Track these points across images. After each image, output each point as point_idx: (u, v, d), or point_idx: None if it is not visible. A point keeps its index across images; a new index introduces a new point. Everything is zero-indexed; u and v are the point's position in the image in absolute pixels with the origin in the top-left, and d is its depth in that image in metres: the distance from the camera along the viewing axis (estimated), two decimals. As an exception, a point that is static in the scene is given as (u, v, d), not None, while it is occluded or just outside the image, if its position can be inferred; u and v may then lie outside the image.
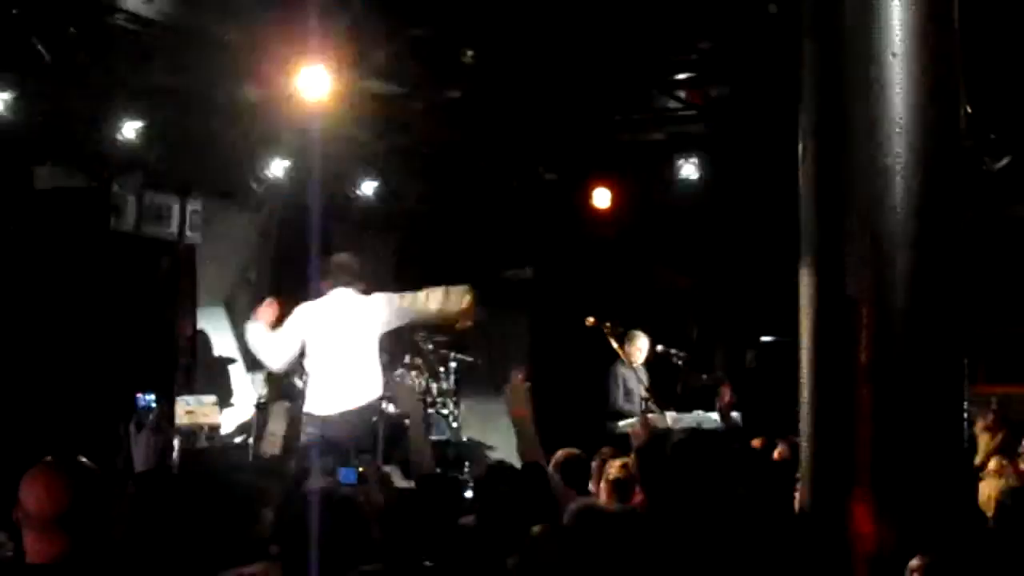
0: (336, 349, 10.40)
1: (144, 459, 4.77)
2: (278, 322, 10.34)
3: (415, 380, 14.14)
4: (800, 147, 5.94)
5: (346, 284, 10.51)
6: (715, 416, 12.13)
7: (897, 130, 5.55)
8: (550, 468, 8.02)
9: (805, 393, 5.82)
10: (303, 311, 10.41)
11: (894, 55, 5.58)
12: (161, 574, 4.46)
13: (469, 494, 7.54)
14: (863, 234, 5.60)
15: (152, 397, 9.81)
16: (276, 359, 10.52)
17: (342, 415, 10.26)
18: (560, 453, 8.36)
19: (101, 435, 7.00)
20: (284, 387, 13.52)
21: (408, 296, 10.77)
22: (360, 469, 7.50)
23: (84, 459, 4.12)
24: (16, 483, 4.07)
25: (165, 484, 4.86)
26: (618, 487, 7.56)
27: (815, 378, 5.79)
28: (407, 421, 12.70)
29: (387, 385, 13.57)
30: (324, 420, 10.26)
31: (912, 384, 5.55)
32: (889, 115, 5.57)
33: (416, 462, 10.53)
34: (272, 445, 12.57)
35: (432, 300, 10.79)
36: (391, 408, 12.75)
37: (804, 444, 5.89)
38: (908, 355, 5.56)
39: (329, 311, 10.43)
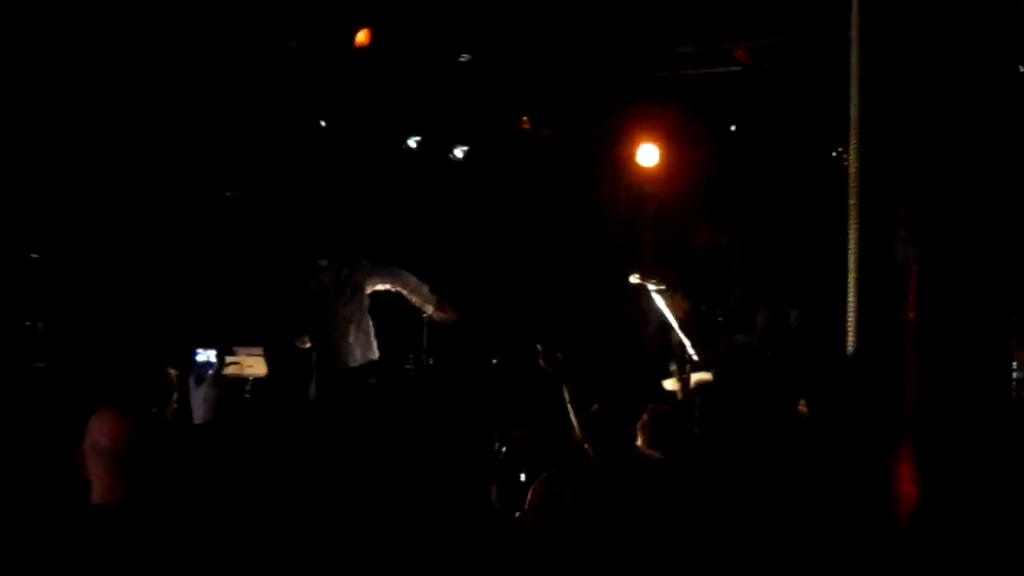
0: None
1: (202, 414, 4.85)
2: None
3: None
4: (849, 98, 5.89)
5: None
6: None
7: (946, 83, 5.50)
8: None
9: (849, 352, 5.80)
10: None
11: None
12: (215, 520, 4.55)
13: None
14: (911, 191, 5.56)
15: (212, 353, 10.00)
16: None
17: None
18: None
19: (158, 384, 7.16)
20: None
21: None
22: None
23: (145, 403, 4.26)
24: (80, 427, 4.21)
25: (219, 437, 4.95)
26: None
27: (859, 337, 5.76)
28: None
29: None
30: None
31: (959, 343, 5.52)
32: (938, 67, 5.51)
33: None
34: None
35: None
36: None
37: (848, 403, 5.87)
38: (955, 314, 5.52)
39: None
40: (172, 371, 7.26)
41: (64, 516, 4.15)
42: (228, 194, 13.23)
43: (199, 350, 10.10)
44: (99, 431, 4.18)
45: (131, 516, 4.11)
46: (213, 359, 9.82)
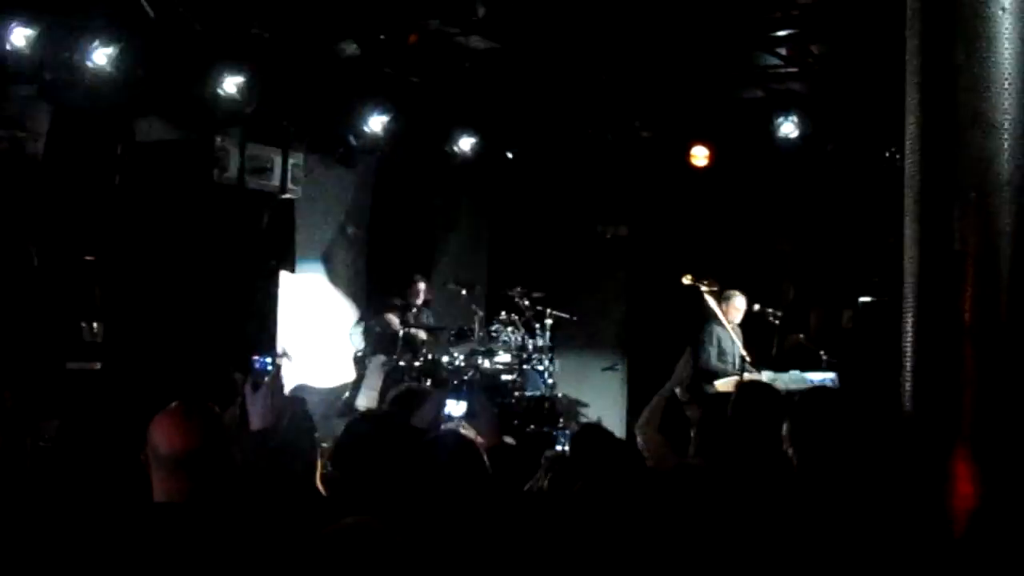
0: None
1: (261, 419, 4.87)
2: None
3: (511, 336, 14.20)
4: (905, 103, 5.86)
5: None
6: (811, 376, 12.05)
7: (1006, 86, 5.47)
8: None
9: (908, 352, 5.77)
10: None
11: (1003, 9, 5.49)
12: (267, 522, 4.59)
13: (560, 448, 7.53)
14: (968, 192, 5.53)
15: (269, 359, 10.02)
16: None
17: None
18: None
19: (217, 387, 7.23)
20: (382, 341, 13.66)
21: None
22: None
23: (209, 404, 4.30)
24: (143, 429, 4.26)
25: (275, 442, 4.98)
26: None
27: (918, 337, 5.73)
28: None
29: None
30: None
31: (1016, 344, 5.48)
32: (997, 71, 5.48)
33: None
34: (369, 399, 12.70)
35: None
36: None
37: (906, 404, 5.84)
38: (1013, 314, 5.49)
39: None
40: (239, 375, 7.28)
41: (128, 514, 4.19)
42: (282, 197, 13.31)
43: (256, 357, 10.16)
44: (160, 435, 4.22)
45: (191, 516, 4.13)
46: (270, 366, 9.87)
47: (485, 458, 5.20)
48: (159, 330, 11.72)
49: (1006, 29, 5.48)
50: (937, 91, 5.68)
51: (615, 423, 13.44)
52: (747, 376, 11.95)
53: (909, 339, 5.75)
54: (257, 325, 12.77)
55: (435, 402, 7.52)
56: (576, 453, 6.57)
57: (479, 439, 6.23)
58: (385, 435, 5.63)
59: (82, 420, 9.29)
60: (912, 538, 5.22)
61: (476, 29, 12.15)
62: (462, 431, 6.35)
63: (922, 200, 5.72)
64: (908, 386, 5.77)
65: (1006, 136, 5.49)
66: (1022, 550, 4.98)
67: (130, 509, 4.23)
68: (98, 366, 11.30)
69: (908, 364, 5.76)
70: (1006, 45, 5.47)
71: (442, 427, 6.98)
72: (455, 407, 7.59)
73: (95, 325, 11.44)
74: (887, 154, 13.00)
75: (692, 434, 7.04)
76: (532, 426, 13.38)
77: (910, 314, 5.75)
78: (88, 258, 11.73)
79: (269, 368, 5.36)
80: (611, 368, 16.10)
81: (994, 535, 5.11)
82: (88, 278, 11.72)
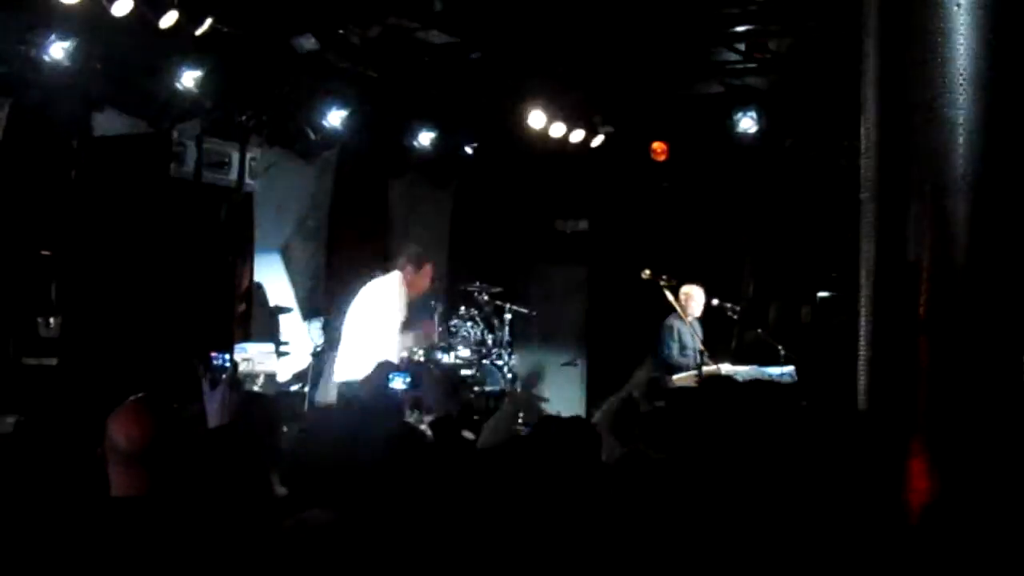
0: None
1: (218, 416, 4.86)
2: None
3: (471, 331, 14.19)
4: (861, 99, 5.88)
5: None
6: (770, 370, 12.10)
7: (961, 82, 5.49)
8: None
9: (863, 346, 5.79)
10: None
11: (958, 5, 5.51)
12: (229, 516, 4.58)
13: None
14: (924, 186, 5.55)
15: (228, 356, 9.98)
16: None
17: None
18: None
19: (179, 381, 7.20)
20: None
21: None
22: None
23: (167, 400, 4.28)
24: (101, 425, 4.24)
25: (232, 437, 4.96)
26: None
27: (873, 331, 5.76)
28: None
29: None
30: None
31: (971, 338, 5.51)
32: (952, 67, 5.51)
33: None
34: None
35: None
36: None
37: (862, 398, 5.86)
38: (967, 309, 5.52)
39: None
40: (201, 368, 7.26)
41: (85, 510, 4.17)
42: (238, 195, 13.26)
43: (214, 353, 10.13)
44: (118, 429, 4.19)
45: (149, 510, 4.11)
46: (227, 363, 9.82)
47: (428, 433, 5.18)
48: (116, 325, 11.66)
49: (961, 24, 5.50)
50: (893, 87, 5.70)
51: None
52: (706, 370, 11.98)
53: (865, 333, 5.77)
54: (215, 321, 12.71)
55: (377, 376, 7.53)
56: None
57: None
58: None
59: (39, 416, 9.22)
60: (868, 532, 5.25)
61: (435, 23, 12.14)
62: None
63: (878, 195, 5.74)
64: (863, 380, 5.79)
65: (961, 131, 5.52)
66: (976, 543, 5.02)
67: (88, 504, 4.21)
68: (55, 362, 11.23)
69: (863, 358, 5.78)
70: (961, 41, 5.49)
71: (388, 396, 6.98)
72: (399, 382, 7.60)
73: (52, 320, 11.37)
74: (845, 143, 13.05)
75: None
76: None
77: (866, 308, 5.78)
78: (44, 253, 11.65)
79: (226, 365, 5.36)
80: (571, 363, 16.12)
81: (949, 528, 5.15)
82: (45, 273, 11.65)
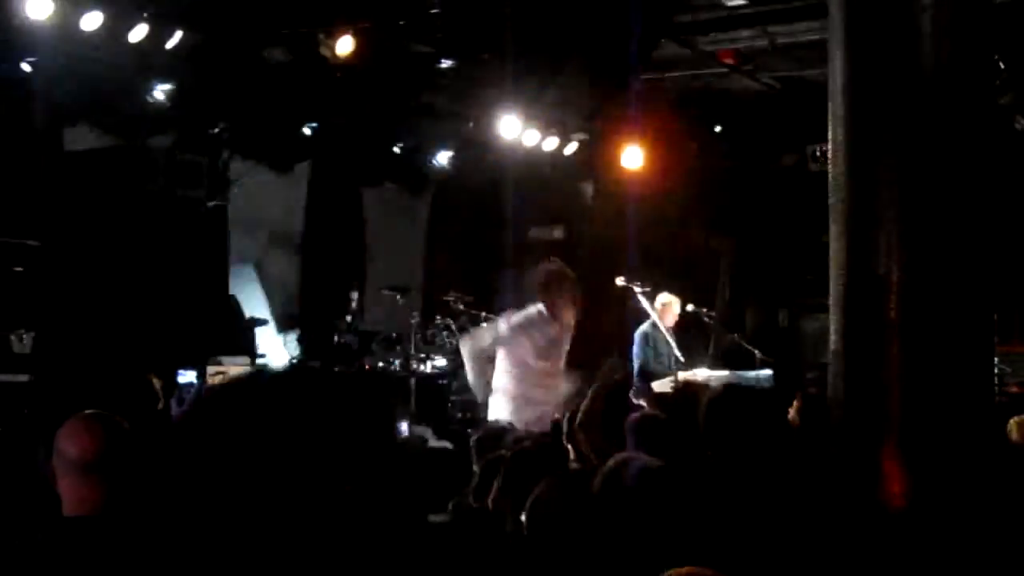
0: None
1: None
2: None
3: (447, 339, 14.18)
4: (830, 104, 5.88)
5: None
6: (749, 375, 12.09)
7: (927, 84, 5.50)
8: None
9: (835, 350, 5.78)
10: None
11: (924, 9, 5.52)
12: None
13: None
14: (893, 191, 5.55)
15: (194, 374, 9.94)
16: None
17: None
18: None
19: (141, 394, 7.16)
20: (316, 347, 13.59)
21: None
22: None
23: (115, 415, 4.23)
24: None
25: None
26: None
27: (845, 335, 5.75)
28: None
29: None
30: None
31: (942, 341, 5.51)
32: (919, 69, 5.51)
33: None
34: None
35: None
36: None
37: (834, 402, 5.85)
38: (938, 313, 5.52)
39: None
40: (157, 381, 7.18)
41: (34, 531, 4.10)
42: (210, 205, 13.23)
43: (181, 371, 10.09)
44: (67, 441, 4.12)
45: (103, 529, 4.03)
46: (195, 380, 9.79)
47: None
48: (89, 341, 11.60)
49: (926, 27, 5.50)
50: (861, 92, 5.70)
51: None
52: (682, 376, 11.97)
53: (836, 337, 5.77)
54: (188, 335, 12.65)
55: None
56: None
57: None
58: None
59: (11, 433, 9.18)
60: (842, 535, 5.25)
61: (410, 33, 12.13)
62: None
63: (848, 199, 5.74)
64: (836, 384, 5.79)
65: (929, 134, 5.52)
66: (950, 546, 5.02)
67: (42, 525, 4.14)
68: (26, 378, 11.17)
69: (836, 362, 5.78)
70: (927, 43, 5.50)
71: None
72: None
73: (24, 336, 11.32)
74: (819, 152, 13.10)
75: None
76: (470, 429, 13.33)
77: (837, 312, 5.77)
78: (17, 269, 11.60)
79: (195, 383, 5.32)
80: None
81: (922, 530, 5.15)
82: (17, 288, 11.59)
